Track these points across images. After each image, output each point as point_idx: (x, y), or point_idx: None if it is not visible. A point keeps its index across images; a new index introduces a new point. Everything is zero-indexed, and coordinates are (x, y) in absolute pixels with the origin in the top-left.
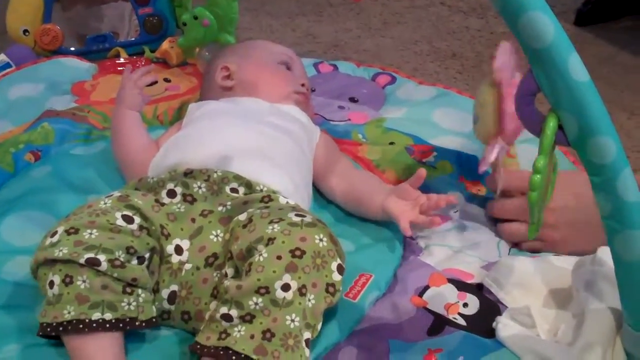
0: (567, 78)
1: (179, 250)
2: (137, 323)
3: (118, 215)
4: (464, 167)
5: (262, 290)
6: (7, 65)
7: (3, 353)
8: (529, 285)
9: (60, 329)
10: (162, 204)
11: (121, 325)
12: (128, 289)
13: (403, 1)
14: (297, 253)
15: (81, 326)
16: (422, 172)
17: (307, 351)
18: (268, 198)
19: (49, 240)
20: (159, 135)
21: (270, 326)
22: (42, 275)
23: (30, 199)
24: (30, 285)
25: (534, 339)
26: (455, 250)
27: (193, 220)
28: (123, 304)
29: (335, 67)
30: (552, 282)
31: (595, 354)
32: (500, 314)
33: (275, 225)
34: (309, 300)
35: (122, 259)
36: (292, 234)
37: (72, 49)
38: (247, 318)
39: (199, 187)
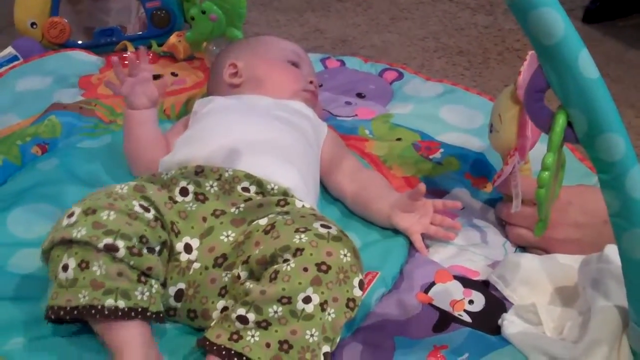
0: (577, 75)
1: (188, 248)
2: (147, 314)
3: (135, 203)
4: (470, 163)
5: (285, 300)
6: (15, 58)
7: (10, 345)
8: (535, 282)
9: (75, 312)
10: (175, 202)
11: (133, 314)
12: (142, 278)
13: None
14: (324, 268)
15: (93, 312)
16: (422, 187)
17: None
18: (284, 202)
19: (66, 221)
20: (166, 130)
21: (288, 337)
22: (55, 257)
23: (37, 191)
24: (37, 278)
25: (540, 336)
26: (461, 248)
27: (204, 219)
28: (136, 293)
29: (343, 62)
30: (558, 279)
31: (601, 352)
32: (506, 311)
33: (303, 236)
34: (329, 314)
35: (137, 248)
36: (319, 246)
37: (80, 42)
38: (263, 324)
39: (211, 186)
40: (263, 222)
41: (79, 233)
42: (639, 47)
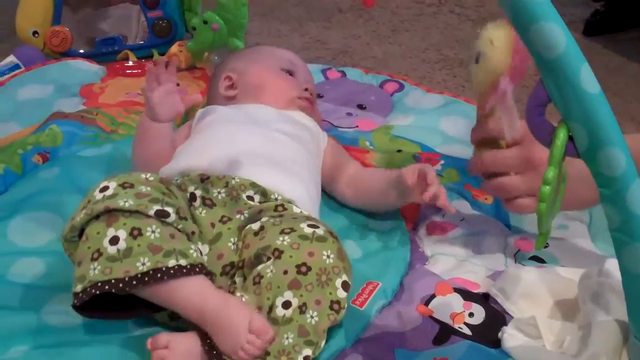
0: (578, 89)
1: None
2: (204, 271)
3: (163, 189)
4: (471, 175)
5: (268, 309)
6: (17, 67)
7: (10, 354)
8: (535, 295)
9: (135, 282)
10: (191, 205)
11: (197, 269)
12: (191, 238)
13: (412, 9)
14: (303, 269)
15: (159, 275)
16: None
17: None
18: (282, 207)
19: (100, 195)
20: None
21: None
22: (95, 233)
23: (38, 200)
24: (38, 287)
25: (540, 349)
26: (461, 260)
27: (212, 225)
28: (192, 251)
29: (344, 73)
30: (558, 293)
31: None
32: (506, 324)
33: (286, 237)
34: (312, 317)
35: (183, 213)
36: (300, 247)
37: (81, 51)
38: None
39: (219, 193)
40: (256, 226)
41: (127, 203)
42: (639, 60)
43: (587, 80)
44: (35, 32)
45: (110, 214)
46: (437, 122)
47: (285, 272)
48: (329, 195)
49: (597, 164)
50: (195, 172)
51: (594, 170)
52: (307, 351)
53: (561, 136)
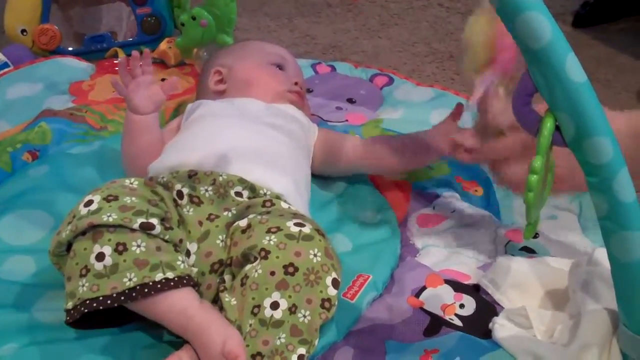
0: (564, 78)
1: (186, 252)
2: (192, 283)
3: (149, 194)
4: (461, 167)
5: (256, 310)
6: (5, 65)
7: (1, 352)
8: (525, 286)
9: (123, 298)
10: (177, 205)
11: (184, 281)
12: (178, 248)
13: (401, 3)
14: (290, 270)
15: (146, 290)
16: (460, 106)
17: None
18: (270, 203)
19: (84, 210)
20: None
21: (260, 349)
22: (82, 249)
23: (28, 198)
24: (29, 284)
25: (531, 339)
26: (452, 251)
27: (200, 223)
28: (178, 262)
29: (333, 68)
30: (548, 283)
31: (591, 355)
32: (496, 314)
33: (273, 237)
34: (304, 316)
35: (167, 223)
36: (287, 247)
37: (70, 48)
38: None
39: (206, 190)
40: (243, 223)
41: (110, 217)
42: (628, 52)
43: (573, 69)
44: (23, 31)
45: (96, 229)
46: (427, 115)
47: (273, 273)
48: (318, 189)
49: (584, 153)
50: (184, 168)
51: (580, 159)
52: (301, 350)
53: (548, 125)
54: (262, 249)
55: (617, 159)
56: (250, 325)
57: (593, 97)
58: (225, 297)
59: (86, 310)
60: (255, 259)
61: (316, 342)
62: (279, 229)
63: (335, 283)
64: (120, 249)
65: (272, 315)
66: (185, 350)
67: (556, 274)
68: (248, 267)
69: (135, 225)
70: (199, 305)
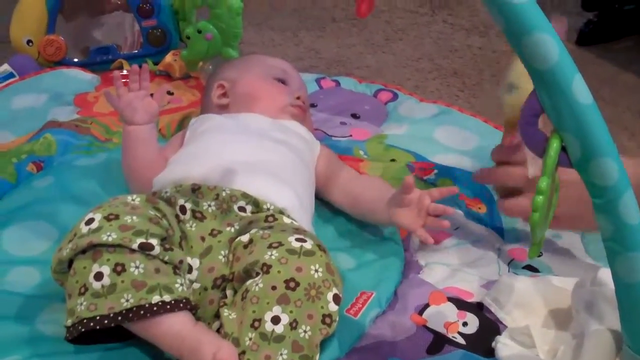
0: (571, 100)
1: (188, 268)
2: (188, 306)
3: (151, 212)
4: (465, 184)
5: (257, 324)
6: (11, 75)
7: None
8: (529, 305)
9: (119, 318)
10: (179, 220)
11: (181, 304)
12: (177, 271)
13: (405, 18)
14: (291, 285)
15: (142, 312)
16: (409, 180)
17: None
18: (272, 218)
19: (86, 228)
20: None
21: None
22: (81, 268)
23: (33, 209)
24: (33, 296)
25: (534, 359)
26: (455, 269)
27: (202, 238)
28: (177, 286)
29: (338, 82)
30: (552, 302)
31: None
32: (499, 333)
33: (274, 252)
34: (305, 332)
35: (168, 243)
36: (288, 262)
37: (76, 60)
38: (241, 356)
39: (209, 205)
40: (245, 238)
41: (110, 237)
42: (632, 70)
43: (580, 91)
44: (29, 41)
45: (95, 248)
46: (431, 131)
47: (274, 288)
48: (322, 205)
49: (590, 174)
50: (188, 182)
51: (586, 180)
52: None
53: (554, 146)
54: (264, 264)
55: (622, 181)
56: (250, 338)
57: (599, 119)
58: (225, 312)
59: (83, 330)
60: (257, 274)
61: (317, 357)
62: (280, 244)
63: (337, 299)
64: (118, 269)
65: (273, 330)
66: None
67: (560, 294)
68: (249, 281)
69: (135, 246)
70: (192, 328)
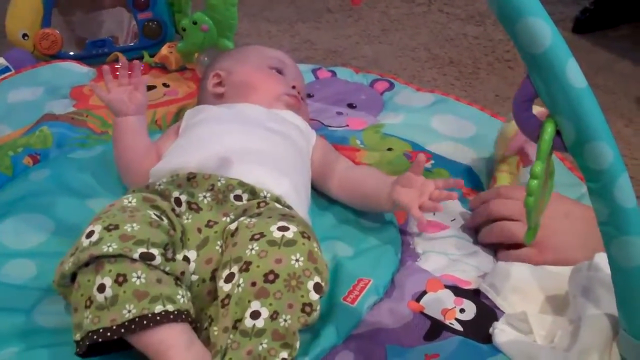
0: (565, 84)
1: (186, 260)
2: (189, 319)
3: (150, 212)
4: (461, 174)
5: (238, 324)
6: (6, 69)
7: (2, 355)
8: (525, 291)
9: (122, 330)
10: (177, 214)
11: (183, 316)
12: (178, 282)
13: (401, 8)
14: (270, 277)
15: (145, 322)
16: (422, 157)
17: None
18: (264, 203)
19: (86, 241)
20: (155, 139)
21: (244, 358)
22: (86, 282)
23: (29, 202)
24: (28, 288)
25: (531, 344)
26: (452, 258)
27: (199, 230)
28: (178, 297)
29: (334, 73)
30: (548, 288)
31: None
32: (497, 319)
33: (255, 245)
34: (285, 320)
35: (169, 254)
36: (268, 255)
37: (72, 53)
38: (223, 357)
39: (204, 197)
40: (233, 226)
41: (110, 248)
42: (628, 57)
43: (574, 74)
44: (25, 35)
45: (98, 260)
46: (428, 120)
47: (254, 284)
48: (318, 194)
49: (584, 158)
50: (184, 172)
51: (581, 164)
52: (284, 354)
53: (549, 130)
54: (245, 262)
55: (617, 164)
56: (230, 337)
57: (593, 102)
58: (214, 330)
59: (89, 343)
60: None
61: (297, 345)
62: (262, 235)
63: (318, 287)
64: (120, 280)
65: (254, 325)
66: None
67: (556, 279)
68: (229, 287)
69: (136, 255)
70: (185, 342)
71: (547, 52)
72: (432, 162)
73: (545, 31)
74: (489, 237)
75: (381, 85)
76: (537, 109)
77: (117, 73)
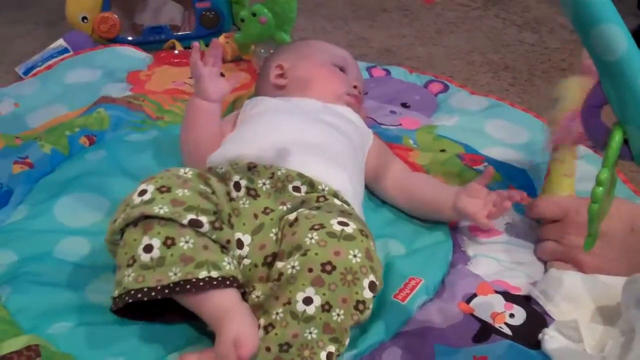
0: (636, 92)
1: (240, 244)
2: (236, 284)
3: (202, 186)
4: (514, 178)
5: (287, 303)
6: (65, 51)
7: (53, 329)
8: (577, 299)
9: (166, 291)
10: (231, 198)
11: (228, 282)
12: (224, 250)
13: (457, 11)
14: (328, 268)
15: (189, 286)
16: (490, 169)
17: None
18: (324, 198)
19: (138, 199)
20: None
21: (288, 340)
22: (132, 240)
23: (84, 181)
24: (81, 265)
25: (581, 353)
26: (503, 264)
27: (255, 216)
28: (224, 264)
29: (388, 72)
30: (600, 297)
31: None
32: (546, 326)
33: (315, 234)
34: (338, 315)
35: (218, 222)
36: (327, 245)
37: (129, 38)
38: (269, 329)
39: (264, 184)
40: (292, 216)
41: (161, 210)
42: None
43: None
44: (84, 18)
45: (146, 220)
46: (482, 124)
47: (310, 270)
48: (371, 194)
49: None
50: (243, 161)
51: None
52: (331, 347)
53: (617, 138)
54: (304, 249)
55: None
56: (278, 313)
57: None
58: (254, 294)
59: (130, 300)
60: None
61: (346, 342)
62: (322, 226)
63: (372, 286)
64: (168, 242)
65: (304, 310)
66: (201, 353)
67: (608, 290)
68: (282, 264)
69: (185, 221)
70: (231, 307)
71: (620, 60)
72: (485, 164)
73: (620, 39)
74: (552, 256)
75: (435, 86)
76: None
77: (174, 60)
